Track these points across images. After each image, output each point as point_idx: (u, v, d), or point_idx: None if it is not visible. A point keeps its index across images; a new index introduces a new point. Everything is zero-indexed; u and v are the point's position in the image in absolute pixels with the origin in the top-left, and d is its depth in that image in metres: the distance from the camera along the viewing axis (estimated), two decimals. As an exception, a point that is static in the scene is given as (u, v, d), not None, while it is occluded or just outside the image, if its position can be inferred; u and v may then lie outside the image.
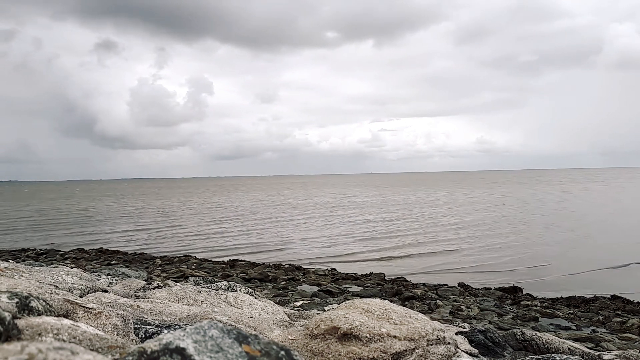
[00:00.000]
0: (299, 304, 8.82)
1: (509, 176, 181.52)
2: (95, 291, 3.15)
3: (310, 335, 2.39)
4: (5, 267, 3.14)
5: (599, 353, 3.10)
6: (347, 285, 11.97)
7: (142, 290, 3.72)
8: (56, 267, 4.26)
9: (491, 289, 11.82)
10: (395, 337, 2.32)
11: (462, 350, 2.72)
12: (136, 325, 2.18)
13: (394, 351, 2.26)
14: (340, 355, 2.22)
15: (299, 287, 11.64)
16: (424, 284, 12.04)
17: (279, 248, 19.43)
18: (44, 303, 1.86)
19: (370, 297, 8.66)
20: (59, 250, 18.65)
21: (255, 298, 3.61)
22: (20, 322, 1.53)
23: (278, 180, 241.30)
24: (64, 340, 1.52)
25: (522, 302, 10.24)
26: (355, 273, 13.86)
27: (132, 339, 2.01)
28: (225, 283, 4.27)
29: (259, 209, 40.51)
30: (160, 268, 14.05)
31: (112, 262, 15.40)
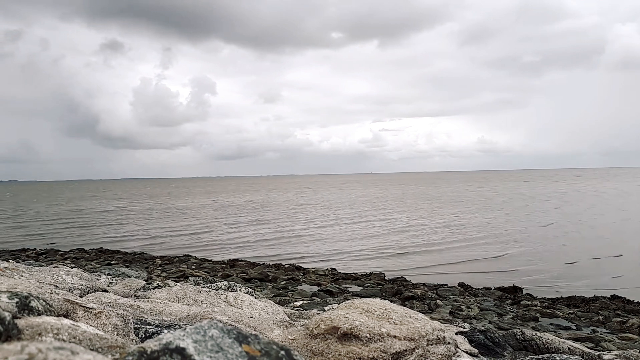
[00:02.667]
0: (299, 303, 8.82)
1: (520, 175, 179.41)
2: (95, 291, 3.15)
3: (310, 335, 2.39)
4: (5, 267, 3.14)
5: (599, 353, 3.10)
6: (347, 285, 11.97)
7: (142, 290, 3.72)
8: (56, 267, 4.26)
9: (491, 288, 11.83)
10: (395, 337, 2.32)
11: (462, 350, 2.72)
12: (136, 325, 2.18)
13: (394, 351, 2.26)
14: (340, 355, 2.22)
15: (299, 287, 11.64)
16: (424, 284, 12.04)
17: (325, 259, 17.07)
18: (44, 303, 1.86)
19: (370, 297, 8.66)
20: (59, 250, 18.66)
21: (255, 298, 3.61)
22: (20, 322, 1.53)
23: (283, 180, 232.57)
24: (64, 340, 1.52)
25: (522, 302, 10.24)
26: (355, 273, 13.86)
27: (132, 339, 2.01)
28: (225, 283, 4.27)
29: (294, 210, 37.93)
30: (160, 268, 14.06)
31: (112, 262, 15.41)
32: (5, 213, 41.67)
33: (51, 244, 21.39)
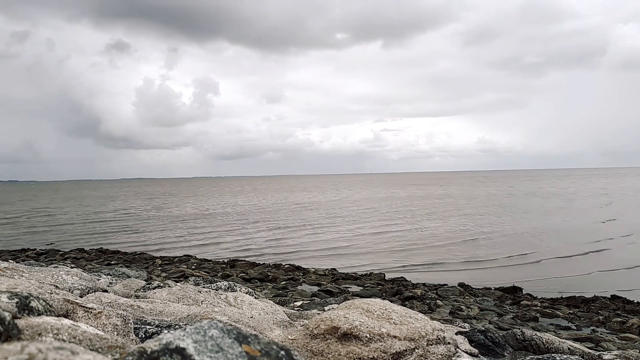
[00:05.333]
0: (299, 304, 8.82)
1: (526, 175, 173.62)
2: (95, 291, 3.15)
3: (310, 335, 2.39)
4: (5, 267, 3.14)
5: (599, 353, 3.10)
6: (347, 285, 11.97)
7: (142, 290, 3.72)
8: (56, 267, 4.26)
9: (491, 289, 11.83)
10: (395, 337, 2.32)
11: (462, 350, 2.72)
12: (136, 325, 2.18)
13: (394, 351, 2.26)
14: (340, 355, 2.22)
15: (299, 287, 11.64)
16: (424, 284, 12.04)
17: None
18: (44, 303, 1.86)
19: (370, 297, 8.67)
20: (59, 250, 18.67)
21: (255, 298, 3.61)
22: (20, 322, 1.53)
23: (290, 180, 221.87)
24: (64, 340, 1.52)
25: (522, 302, 10.24)
26: (355, 273, 13.86)
27: (132, 339, 2.01)
28: (225, 283, 4.27)
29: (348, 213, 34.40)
30: (160, 268, 14.06)
31: (112, 262, 15.42)
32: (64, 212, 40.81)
33: (51, 243, 21.40)
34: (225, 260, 15.78)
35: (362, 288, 11.68)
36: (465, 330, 3.37)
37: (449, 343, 2.53)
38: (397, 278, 12.89)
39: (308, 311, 3.96)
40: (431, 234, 22.82)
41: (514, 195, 53.06)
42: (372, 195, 62.13)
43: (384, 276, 13.21)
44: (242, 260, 15.76)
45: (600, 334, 7.68)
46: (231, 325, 1.74)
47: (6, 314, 1.44)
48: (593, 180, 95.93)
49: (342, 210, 37.27)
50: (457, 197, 50.75)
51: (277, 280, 12.54)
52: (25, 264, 4.69)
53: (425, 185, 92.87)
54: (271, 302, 3.63)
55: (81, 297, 2.81)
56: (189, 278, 7.85)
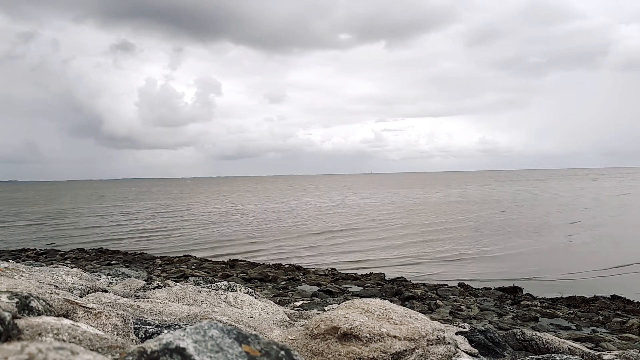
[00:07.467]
0: (299, 304, 8.82)
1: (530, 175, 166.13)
2: (95, 291, 3.15)
3: (310, 335, 2.39)
4: (5, 267, 3.14)
5: (599, 353, 3.10)
6: (347, 285, 11.97)
7: (142, 290, 3.72)
8: (56, 267, 4.26)
9: (491, 289, 11.83)
10: (395, 337, 2.32)
11: (462, 350, 2.72)
12: (136, 325, 2.18)
13: (394, 351, 2.26)
14: (340, 355, 2.22)
15: (299, 287, 11.64)
16: (424, 284, 12.03)
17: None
18: (44, 303, 1.86)
19: (370, 297, 8.66)
20: (59, 250, 18.67)
21: (255, 298, 3.61)
22: (20, 322, 1.53)
23: (296, 180, 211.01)
24: (64, 340, 1.52)
25: (522, 302, 10.24)
26: (355, 273, 13.85)
27: (132, 339, 2.01)
28: (225, 283, 4.27)
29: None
30: (160, 268, 14.06)
31: (112, 262, 15.42)
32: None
33: (51, 244, 21.41)
34: (225, 261, 15.79)
35: (362, 288, 11.68)
36: (465, 330, 3.38)
37: (449, 343, 2.53)
38: (397, 278, 12.89)
39: (308, 311, 3.96)
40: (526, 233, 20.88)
41: (559, 195, 49.68)
42: (409, 195, 57.59)
43: (384, 276, 13.21)
44: (242, 261, 15.76)
45: (600, 334, 7.68)
46: (231, 325, 1.74)
47: (6, 314, 1.44)
48: (610, 180, 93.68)
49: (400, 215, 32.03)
50: (502, 199, 46.67)
51: (277, 280, 12.54)
52: (25, 264, 4.69)
53: (450, 185, 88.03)
54: (271, 302, 3.63)
55: (81, 297, 2.81)
56: (189, 278, 7.86)
